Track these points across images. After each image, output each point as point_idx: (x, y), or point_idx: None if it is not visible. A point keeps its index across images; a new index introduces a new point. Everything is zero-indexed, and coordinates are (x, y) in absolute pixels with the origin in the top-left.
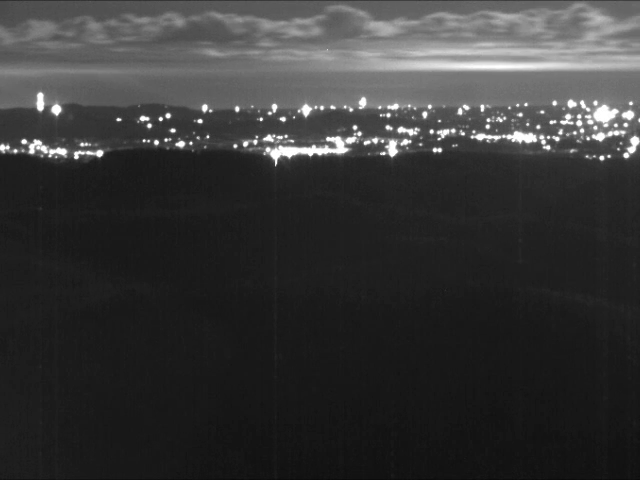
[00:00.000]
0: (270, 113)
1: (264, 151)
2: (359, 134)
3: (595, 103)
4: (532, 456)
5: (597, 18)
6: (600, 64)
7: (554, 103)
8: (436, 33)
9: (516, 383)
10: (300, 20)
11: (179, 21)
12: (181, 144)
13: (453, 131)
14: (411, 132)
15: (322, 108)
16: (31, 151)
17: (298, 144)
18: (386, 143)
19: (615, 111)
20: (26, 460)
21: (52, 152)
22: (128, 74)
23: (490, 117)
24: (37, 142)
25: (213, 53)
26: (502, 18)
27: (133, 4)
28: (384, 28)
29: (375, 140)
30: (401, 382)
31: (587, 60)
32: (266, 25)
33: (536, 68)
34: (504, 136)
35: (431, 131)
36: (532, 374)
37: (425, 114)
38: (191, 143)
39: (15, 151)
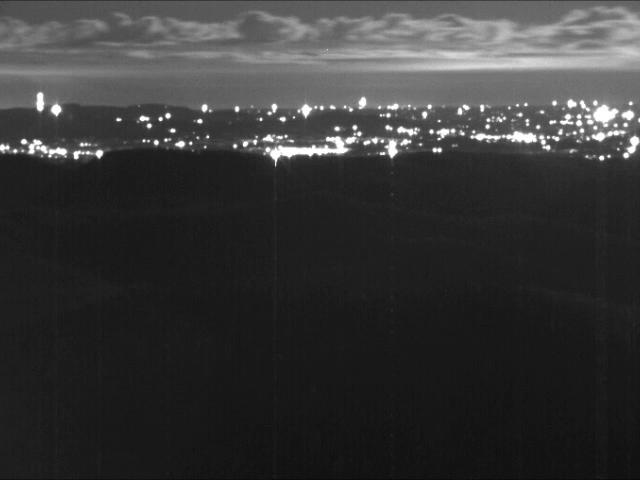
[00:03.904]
0: (270, 113)
1: (264, 151)
2: (359, 134)
3: (595, 103)
4: (532, 456)
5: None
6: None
7: (554, 103)
8: (346, 36)
9: (516, 383)
10: (219, 24)
11: (99, 24)
12: (181, 144)
13: (453, 131)
14: (411, 132)
15: (322, 108)
16: (31, 151)
17: (298, 144)
18: (386, 143)
19: (615, 111)
20: (26, 460)
21: (52, 152)
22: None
23: (490, 117)
24: (37, 142)
25: (142, 54)
26: (412, 23)
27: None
28: (303, 30)
29: (375, 140)
30: (401, 382)
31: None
32: (187, 27)
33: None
34: (504, 136)
35: (431, 131)
36: (532, 374)
37: (425, 114)
38: (191, 143)
39: (15, 151)
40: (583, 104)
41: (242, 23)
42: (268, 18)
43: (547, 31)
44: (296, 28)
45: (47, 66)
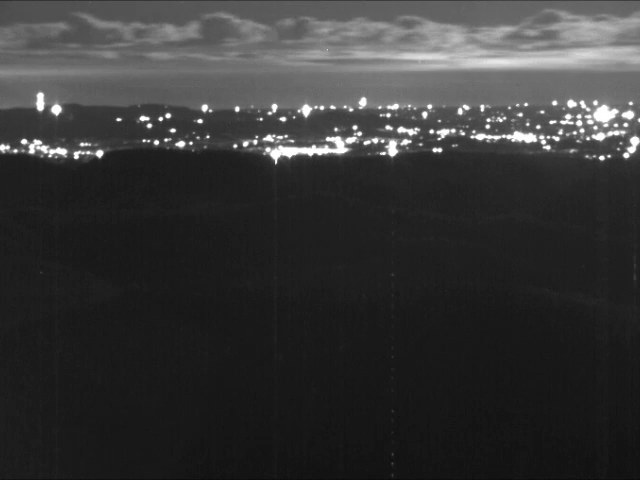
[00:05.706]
0: (270, 113)
1: (264, 151)
2: (359, 134)
3: (595, 103)
4: (532, 456)
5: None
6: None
7: (554, 103)
8: (303, 38)
9: (516, 383)
10: (183, 26)
11: (62, 25)
12: (181, 144)
13: (453, 131)
14: (411, 132)
15: (322, 108)
16: (31, 151)
17: (298, 144)
18: (386, 143)
19: (615, 111)
20: (26, 460)
21: (52, 152)
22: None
23: (490, 117)
24: (37, 142)
25: (109, 55)
26: (374, 24)
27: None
28: (264, 30)
29: (375, 140)
30: (401, 382)
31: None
32: (150, 28)
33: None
34: (504, 136)
35: (431, 131)
36: (532, 374)
37: (425, 114)
38: (191, 143)
39: (15, 151)
40: (583, 104)
41: (204, 25)
42: (229, 19)
43: (503, 32)
44: (258, 29)
45: (16, 67)
